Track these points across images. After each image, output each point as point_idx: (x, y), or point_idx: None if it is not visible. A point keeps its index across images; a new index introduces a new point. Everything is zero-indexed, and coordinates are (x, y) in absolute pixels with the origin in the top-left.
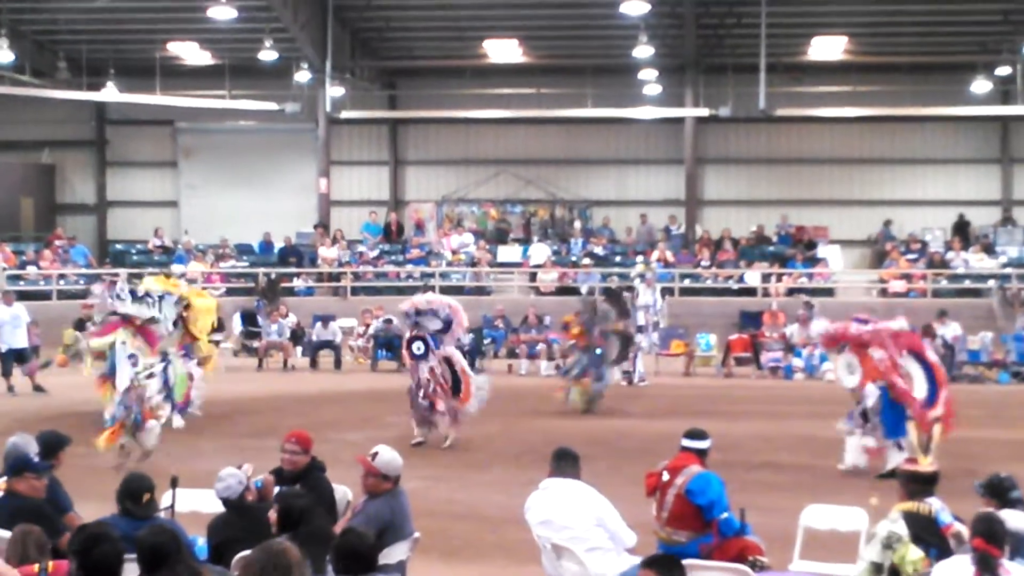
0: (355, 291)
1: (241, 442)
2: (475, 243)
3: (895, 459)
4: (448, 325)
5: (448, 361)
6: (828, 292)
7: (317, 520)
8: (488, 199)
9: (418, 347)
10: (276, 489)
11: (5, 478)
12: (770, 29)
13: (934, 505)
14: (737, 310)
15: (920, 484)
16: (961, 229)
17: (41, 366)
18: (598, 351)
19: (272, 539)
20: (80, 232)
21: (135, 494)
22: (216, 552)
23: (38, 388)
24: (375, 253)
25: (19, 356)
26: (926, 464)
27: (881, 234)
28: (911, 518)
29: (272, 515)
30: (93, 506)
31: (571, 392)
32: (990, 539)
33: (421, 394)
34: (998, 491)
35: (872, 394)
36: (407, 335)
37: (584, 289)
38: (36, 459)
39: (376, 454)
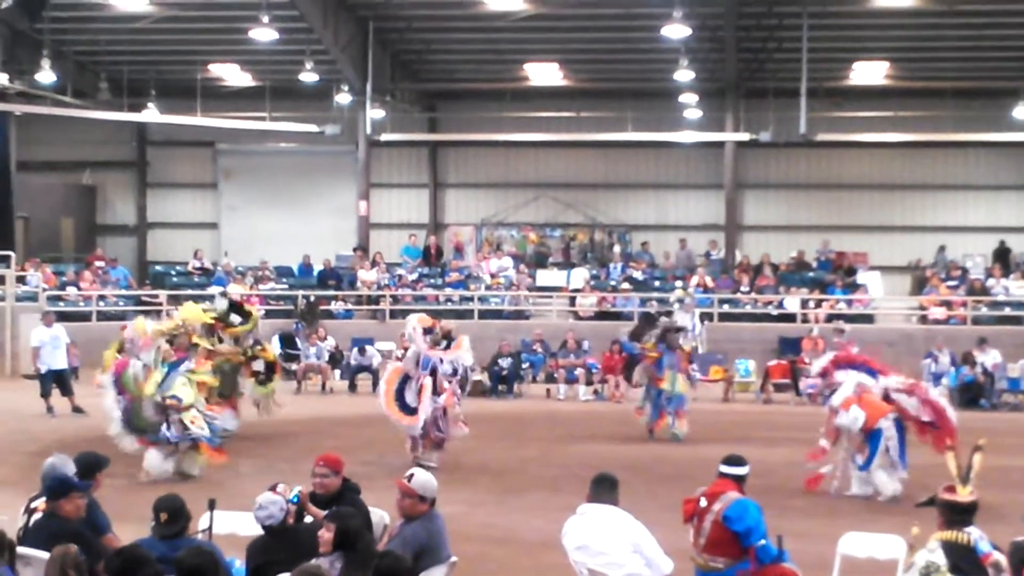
0: (394, 314)
1: (278, 465)
2: (514, 267)
3: (861, 486)
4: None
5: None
6: (868, 319)
7: (367, 541)
8: (527, 223)
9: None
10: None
11: (44, 499)
12: (811, 54)
13: (973, 534)
14: (776, 336)
15: (959, 513)
16: (1002, 256)
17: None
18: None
19: (307, 562)
20: (120, 253)
21: (154, 513)
22: (254, 575)
23: (77, 409)
24: (414, 276)
25: (59, 377)
26: (965, 493)
27: (918, 260)
28: (950, 547)
29: (325, 535)
30: (131, 527)
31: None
32: None
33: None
34: None
35: (854, 418)
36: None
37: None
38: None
39: (412, 475)
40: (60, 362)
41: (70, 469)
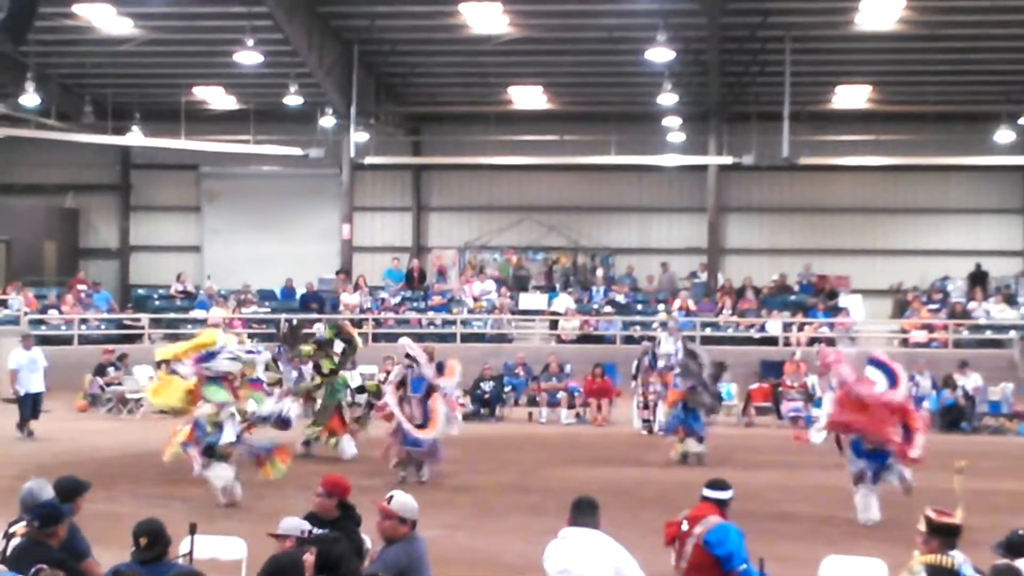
0: (376, 338)
1: (261, 489)
2: (497, 290)
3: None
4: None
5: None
6: (850, 342)
7: (350, 566)
8: (510, 246)
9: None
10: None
11: (24, 523)
12: (794, 77)
13: (957, 558)
14: (758, 359)
15: (952, 536)
16: (978, 279)
17: None
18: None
19: None
20: (103, 277)
21: (134, 537)
22: None
23: (26, 430)
24: (397, 300)
25: (35, 401)
26: (960, 516)
27: (899, 283)
28: (934, 571)
29: (308, 558)
30: (111, 553)
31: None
32: None
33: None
34: (1019, 548)
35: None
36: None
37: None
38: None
39: (391, 497)
40: (37, 386)
41: (48, 493)
